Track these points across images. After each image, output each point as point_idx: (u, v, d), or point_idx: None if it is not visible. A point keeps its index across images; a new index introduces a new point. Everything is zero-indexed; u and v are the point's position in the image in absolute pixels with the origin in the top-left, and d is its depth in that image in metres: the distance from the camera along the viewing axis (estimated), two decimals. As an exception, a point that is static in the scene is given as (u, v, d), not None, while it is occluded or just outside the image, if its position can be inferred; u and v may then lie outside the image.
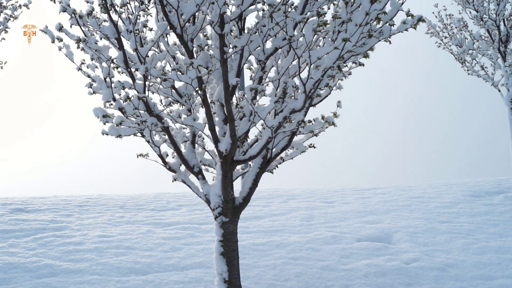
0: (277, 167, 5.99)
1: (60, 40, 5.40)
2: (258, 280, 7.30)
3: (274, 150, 5.60)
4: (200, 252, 8.58)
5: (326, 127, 5.61)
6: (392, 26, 4.85)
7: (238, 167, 5.96)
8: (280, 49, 5.39)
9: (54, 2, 5.20)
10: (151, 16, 5.63)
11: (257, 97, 5.57)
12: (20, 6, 11.75)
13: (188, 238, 9.54)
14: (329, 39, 4.93)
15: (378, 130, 39.48)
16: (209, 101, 5.54)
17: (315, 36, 5.15)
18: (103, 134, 5.23)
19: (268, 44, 5.26)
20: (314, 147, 5.85)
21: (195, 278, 7.42)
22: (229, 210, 5.48)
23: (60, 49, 5.44)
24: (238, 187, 5.81)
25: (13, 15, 11.77)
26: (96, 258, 8.18)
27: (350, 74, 5.67)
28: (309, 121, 5.60)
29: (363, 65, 5.54)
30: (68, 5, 5.14)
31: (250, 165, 5.92)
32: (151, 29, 5.56)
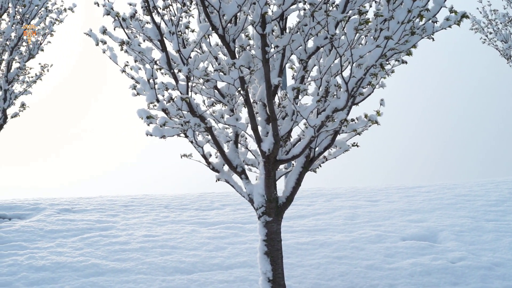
0: (320, 166, 5.97)
1: (104, 43, 5.48)
2: (302, 280, 7.30)
3: (317, 149, 5.59)
4: (244, 252, 8.60)
5: (369, 126, 5.57)
6: (435, 23, 4.81)
7: (281, 166, 5.97)
8: (322, 48, 5.38)
9: (98, 5, 5.27)
10: (193, 17, 5.67)
11: (299, 96, 5.56)
12: (65, 9, 11.92)
13: (232, 237, 9.58)
14: (371, 37, 4.90)
15: (421, 128, 39.07)
16: (252, 101, 5.55)
17: (357, 34, 5.12)
18: (147, 135, 5.29)
19: (310, 43, 5.26)
20: (358, 146, 5.82)
21: (239, 277, 7.45)
22: (273, 210, 5.49)
23: (104, 52, 5.51)
24: (281, 186, 5.81)
25: (58, 19, 11.95)
26: (141, 257, 8.28)
27: (393, 72, 5.63)
28: (352, 120, 5.57)
29: (406, 62, 5.49)
30: (112, 8, 5.21)
31: (293, 164, 5.92)
32: (193, 31, 5.59)
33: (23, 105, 11.87)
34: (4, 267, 7.79)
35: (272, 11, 5.10)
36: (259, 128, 5.42)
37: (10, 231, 10.00)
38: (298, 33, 5.17)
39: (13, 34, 11.38)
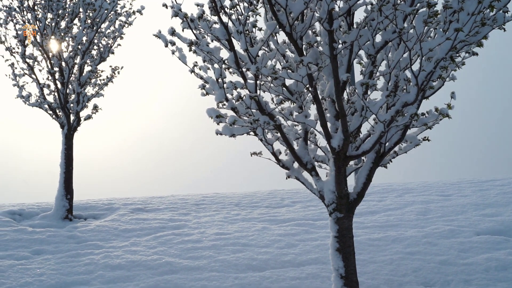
0: (391, 161, 5.91)
1: (173, 44, 5.55)
2: (375, 276, 7.25)
3: (387, 144, 5.53)
4: (315, 248, 8.60)
5: (440, 119, 5.48)
6: (506, 13, 4.70)
7: (351, 162, 5.93)
8: (390, 42, 5.32)
9: (166, 7, 5.35)
10: (260, 16, 5.68)
11: (368, 92, 5.52)
12: (133, 12, 12.14)
13: (303, 234, 9.59)
14: (441, 29, 4.82)
15: (494, 121, 38.16)
16: (320, 97, 5.54)
17: (426, 27, 5.05)
18: (217, 134, 5.34)
19: (378, 38, 5.21)
20: (429, 140, 5.73)
21: (311, 274, 7.45)
22: (344, 206, 5.46)
23: (173, 53, 5.58)
24: (351, 182, 5.78)
25: (128, 22, 12.18)
26: (214, 255, 8.37)
27: (463, 64, 5.53)
28: (422, 114, 5.49)
29: (477, 54, 5.38)
30: (180, 10, 5.27)
31: (363, 160, 5.88)
32: (260, 29, 5.61)
33: (95, 107, 12.15)
34: (81, 266, 8.00)
35: (339, 7, 5.08)
36: (329, 124, 5.40)
37: (86, 230, 10.26)
38: (366, 28, 5.13)
39: (84, 38, 11.66)
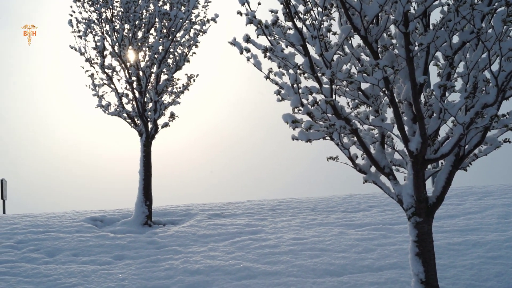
0: (471, 164, 5.81)
1: (248, 50, 5.60)
2: (455, 281, 7.12)
3: (466, 147, 5.44)
4: (394, 253, 8.51)
5: (522, 120, 5.35)
6: None
7: (429, 165, 5.86)
8: (468, 43, 5.23)
9: (241, 15, 5.41)
10: (333, 20, 5.68)
11: (446, 94, 5.44)
12: (208, 20, 12.29)
13: (381, 239, 9.49)
14: (521, 28, 4.72)
15: None
16: (397, 100, 5.49)
17: (505, 26, 4.94)
18: (293, 140, 5.36)
19: (455, 39, 5.14)
20: (510, 142, 5.60)
21: (390, 279, 7.38)
22: (423, 210, 5.40)
23: (248, 60, 5.63)
24: (429, 186, 5.70)
25: (202, 30, 12.34)
26: (291, 260, 8.38)
27: (545, 63, 5.37)
28: (503, 115, 5.37)
29: (559, 52, 5.22)
30: (254, 17, 5.32)
31: (441, 163, 5.79)
32: (334, 33, 5.61)
33: (172, 115, 12.35)
34: (161, 271, 8.15)
35: (414, 9, 5.03)
36: (406, 127, 5.35)
37: (165, 236, 10.44)
38: (443, 29, 5.06)
39: (160, 48, 11.88)
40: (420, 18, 5.31)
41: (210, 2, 12.37)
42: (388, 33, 5.55)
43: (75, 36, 12.32)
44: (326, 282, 7.39)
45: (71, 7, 12.22)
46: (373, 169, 5.81)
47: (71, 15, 12.25)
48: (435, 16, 6.20)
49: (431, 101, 5.49)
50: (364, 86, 5.74)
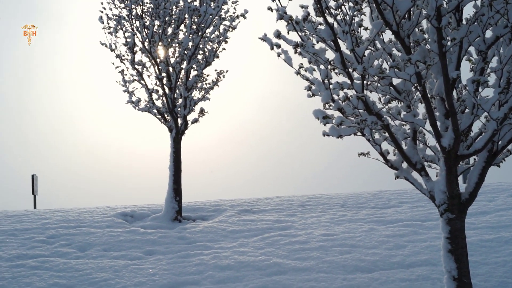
0: (504, 160, 5.74)
1: (279, 46, 5.59)
2: (488, 278, 7.06)
3: (500, 142, 5.37)
4: (425, 250, 8.45)
5: (558, 116, 5.26)
6: None
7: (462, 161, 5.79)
8: (501, 38, 5.16)
9: (272, 10, 5.40)
10: (364, 15, 5.64)
11: (480, 89, 5.37)
12: (237, 16, 12.28)
13: (411, 235, 9.43)
14: (556, 22, 4.64)
15: None
16: (429, 96, 5.43)
17: (540, 20, 4.87)
18: (324, 135, 5.34)
19: (488, 33, 5.07)
20: (544, 138, 5.51)
21: (421, 275, 7.33)
22: (455, 206, 5.34)
23: (279, 56, 5.62)
24: (460, 182, 5.65)
25: (232, 26, 12.34)
26: (321, 256, 8.37)
27: None
28: (538, 110, 5.29)
29: None
30: (285, 13, 5.31)
31: (474, 159, 5.72)
32: (366, 28, 5.57)
33: (202, 111, 12.38)
34: (191, 266, 8.18)
35: (447, 3, 4.97)
36: (438, 123, 5.30)
37: (195, 232, 10.47)
38: (476, 23, 5.00)
39: (190, 44, 11.90)
40: (453, 13, 5.25)
41: (240, -3, 12.39)
42: (420, 28, 5.50)
43: (105, 33, 12.41)
44: (357, 278, 7.37)
45: (102, 3, 12.30)
46: (404, 165, 5.76)
47: (102, 12, 12.33)
48: (468, 11, 6.13)
49: (464, 97, 5.42)
50: (395, 81, 5.70)
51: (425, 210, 11.59)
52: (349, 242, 9.11)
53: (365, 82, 5.28)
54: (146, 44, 12.06)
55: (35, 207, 18.97)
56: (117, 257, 8.94)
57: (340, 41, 5.29)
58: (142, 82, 12.46)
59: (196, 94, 12.42)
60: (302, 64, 5.71)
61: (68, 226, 11.05)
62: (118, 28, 12.29)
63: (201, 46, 12.13)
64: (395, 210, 11.92)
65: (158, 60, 12.10)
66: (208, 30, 12.06)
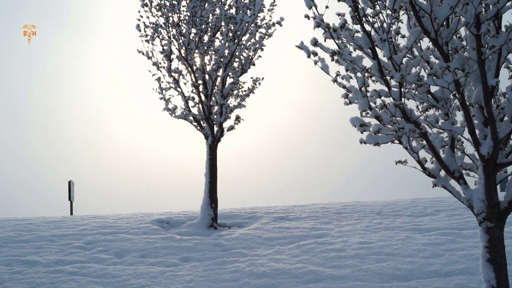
0: (544, 168, 5.67)
1: (315, 54, 5.60)
2: (528, 288, 6.95)
3: (540, 151, 5.32)
4: (462, 258, 8.37)
5: None
6: None
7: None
8: (542, 45, 5.11)
9: (308, 18, 5.41)
10: (402, 22, 5.62)
11: (519, 97, 5.32)
12: (273, 24, 12.31)
13: (449, 243, 9.35)
14: None
15: None
16: (467, 103, 5.40)
17: None
18: (361, 143, 5.33)
19: (528, 41, 5.02)
20: None
21: (459, 284, 7.26)
22: (494, 215, 5.29)
23: (315, 63, 5.63)
24: (499, 190, 5.58)
25: (268, 33, 12.37)
26: (357, 264, 8.33)
27: None
28: None
29: None
30: (322, 20, 5.32)
31: (514, 167, 5.66)
32: (403, 36, 5.55)
33: (237, 118, 12.43)
34: (227, 273, 8.21)
35: (486, 11, 4.94)
36: (477, 131, 5.26)
37: (231, 239, 10.51)
38: (515, 30, 4.96)
39: (226, 51, 11.97)
40: (492, 20, 5.20)
41: (275, 5, 12.41)
42: (459, 35, 5.47)
43: (142, 41, 12.53)
44: (393, 287, 7.33)
45: (139, 12, 12.43)
46: (442, 173, 5.72)
47: (139, 20, 12.46)
48: (508, 18, 6.07)
49: (503, 104, 5.37)
50: (433, 89, 5.66)
51: (462, 218, 11.47)
52: (385, 250, 9.07)
53: (402, 89, 5.26)
54: (182, 51, 12.17)
55: (71, 213, 19.21)
56: (154, 264, 9.02)
57: (377, 49, 5.28)
58: (179, 89, 12.57)
59: (232, 102, 12.49)
60: (339, 72, 5.71)
61: (105, 232, 11.18)
62: (155, 36, 12.41)
63: (237, 53, 12.19)
64: (432, 218, 11.82)
65: (194, 67, 12.19)
66: (244, 38, 12.12)
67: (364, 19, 5.24)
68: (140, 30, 12.50)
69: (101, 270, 8.64)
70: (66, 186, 19.46)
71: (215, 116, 12.32)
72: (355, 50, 5.52)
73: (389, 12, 5.21)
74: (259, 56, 12.54)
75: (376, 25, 5.25)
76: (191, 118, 12.50)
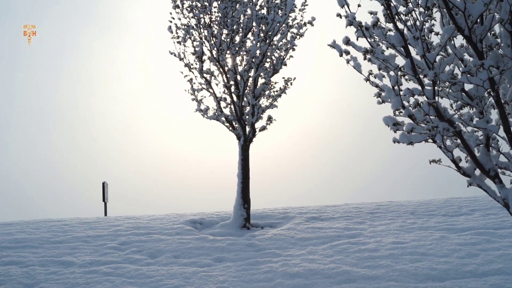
0: None
1: (348, 53, 5.57)
2: None
3: None
4: (498, 258, 8.26)
5: None
6: None
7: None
8: None
9: (341, 17, 5.39)
10: (435, 20, 5.57)
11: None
12: (305, 24, 12.28)
13: (484, 243, 9.24)
14: None
15: None
16: (502, 101, 5.32)
17: None
18: (394, 142, 5.29)
19: None
20: None
21: (495, 285, 7.18)
22: (531, 214, 5.22)
23: (348, 62, 5.61)
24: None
25: (299, 33, 12.34)
26: (391, 264, 8.27)
27: None
28: None
29: None
30: (354, 19, 5.29)
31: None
32: (437, 34, 5.50)
33: (269, 119, 12.42)
34: (261, 274, 8.21)
35: (520, 7, 4.87)
36: (512, 129, 5.18)
37: (264, 239, 10.51)
38: (552, 27, 4.88)
39: (257, 52, 11.97)
40: (527, 16, 5.13)
41: (307, 5, 12.36)
42: (493, 32, 5.40)
43: (174, 42, 12.60)
44: (428, 287, 7.26)
45: (171, 13, 12.50)
46: (477, 172, 5.65)
47: (171, 22, 12.52)
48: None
49: (539, 102, 5.29)
50: (467, 87, 5.60)
51: (497, 218, 11.33)
52: (419, 250, 8.99)
53: (436, 88, 5.21)
54: (214, 52, 12.20)
55: (105, 214, 19.37)
56: (187, 264, 9.05)
57: (410, 47, 5.24)
58: (211, 90, 12.61)
59: (263, 102, 12.48)
60: (371, 70, 5.68)
61: (139, 233, 11.26)
62: (186, 37, 12.45)
63: (268, 54, 12.19)
64: (467, 217, 11.70)
65: (226, 68, 12.23)
66: (275, 38, 12.10)
67: (396, 17, 5.20)
68: (172, 32, 12.56)
69: (135, 271, 8.69)
70: (99, 188, 19.62)
71: (247, 117, 12.34)
72: (387, 48, 5.49)
73: (422, 9, 5.16)
74: (291, 56, 12.53)
75: (408, 23, 5.21)
76: (223, 118, 12.53)
